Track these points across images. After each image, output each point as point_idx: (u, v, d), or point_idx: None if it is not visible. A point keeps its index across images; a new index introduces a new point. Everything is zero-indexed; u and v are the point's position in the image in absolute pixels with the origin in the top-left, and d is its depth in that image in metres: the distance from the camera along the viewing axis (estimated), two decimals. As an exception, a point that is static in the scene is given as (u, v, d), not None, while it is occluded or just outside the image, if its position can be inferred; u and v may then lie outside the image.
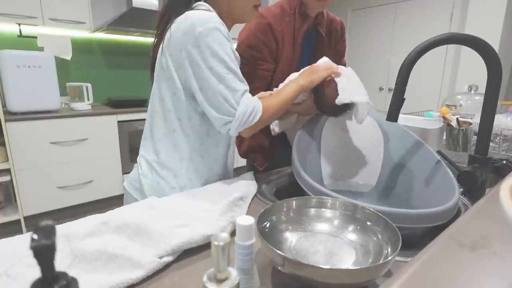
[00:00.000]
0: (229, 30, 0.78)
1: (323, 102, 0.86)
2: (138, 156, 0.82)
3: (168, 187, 0.76)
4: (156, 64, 0.75)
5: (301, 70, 0.85)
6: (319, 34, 1.06)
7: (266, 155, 1.13)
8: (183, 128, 0.75)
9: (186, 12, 0.69)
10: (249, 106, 0.69)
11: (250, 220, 0.37)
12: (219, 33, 0.67)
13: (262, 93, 1.02)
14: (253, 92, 1.01)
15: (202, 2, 0.73)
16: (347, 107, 0.86)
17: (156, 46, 0.77)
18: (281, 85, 0.99)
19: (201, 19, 0.67)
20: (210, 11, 0.72)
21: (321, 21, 1.05)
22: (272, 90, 1.02)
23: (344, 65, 1.05)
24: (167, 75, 0.72)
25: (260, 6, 0.80)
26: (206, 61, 0.67)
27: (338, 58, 1.15)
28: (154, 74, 0.76)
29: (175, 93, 0.73)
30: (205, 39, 0.66)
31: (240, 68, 0.96)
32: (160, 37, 0.76)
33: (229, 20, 0.78)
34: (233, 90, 0.68)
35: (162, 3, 0.77)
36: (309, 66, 0.84)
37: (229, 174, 0.88)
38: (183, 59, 0.68)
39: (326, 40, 1.07)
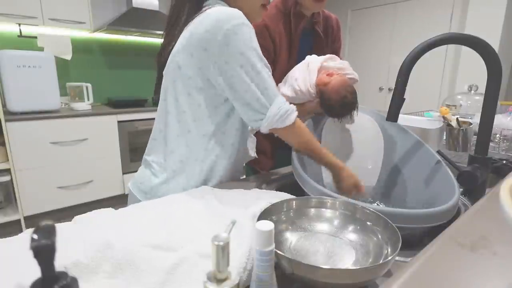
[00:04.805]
0: None
1: (330, 108, 0.87)
2: (145, 157, 0.81)
3: (180, 189, 0.74)
4: (169, 64, 0.73)
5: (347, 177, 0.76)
6: (317, 33, 1.05)
7: (269, 156, 1.12)
8: (199, 129, 0.73)
9: (207, 10, 0.67)
10: (282, 109, 0.69)
11: (270, 225, 0.35)
12: (247, 29, 0.66)
13: None
14: None
15: (217, 0, 0.72)
16: (351, 109, 0.88)
17: (165, 46, 0.75)
18: (280, 85, 1.00)
19: (226, 15, 0.65)
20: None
21: (318, 20, 1.04)
22: None
23: None
24: (184, 75, 0.70)
25: (268, 5, 0.78)
26: (236, 60, 0.65)
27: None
28: (165, 74, 0.74)
29: (190, 93, 0.71)
30: (234, 37, 0.64)
31: None
32: (169, 37, 0.75)
33: None
34: (265, 89, 0.68)
35: (170, 3, 0.76)
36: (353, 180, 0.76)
37: (242, 172, 0.88)
38: (208, 57, 0.66)
39: (323, 38, 1.07)
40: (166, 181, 0.75)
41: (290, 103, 0.97)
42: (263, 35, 0.95)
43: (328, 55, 0.95)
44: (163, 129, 0.76)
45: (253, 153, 0.90)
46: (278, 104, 0.69)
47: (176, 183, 0.75)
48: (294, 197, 0.60)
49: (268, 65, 0.71)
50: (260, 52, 0.69)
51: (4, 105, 2.03)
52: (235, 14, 0.65)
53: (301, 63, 0.96)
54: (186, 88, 0.71)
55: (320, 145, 0.78)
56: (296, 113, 0.71)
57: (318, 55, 0.98)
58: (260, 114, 0.69)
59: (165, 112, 0.75)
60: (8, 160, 1.98)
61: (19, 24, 2.26)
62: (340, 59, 1.15)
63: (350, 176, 0.76)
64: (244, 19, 0.66)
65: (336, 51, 1.14)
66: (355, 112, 0.91)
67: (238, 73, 0.66)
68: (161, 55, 0.77)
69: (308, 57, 0.96)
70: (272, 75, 1.02)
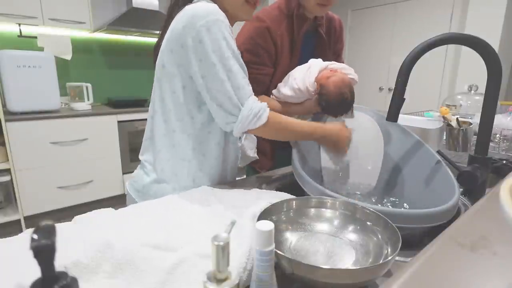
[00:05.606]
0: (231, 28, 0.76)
1: (328, 103, 0.88)
2: (139, 156, 0.82)
3: (170, 188, 0.75)
4: (157, 63, 0.73)
5: (332, 127, 0.83)
6: (319, 35, 1.05)
7: (269, 157, 1.12)
8: (183, 128, 0.73)
9: (186, 6, 0.67)
10: (254, 109, 0.67)
11: (270, 225, 0.35)
12: (222, 25, 0.65)
13: (264, 97, 1.02)
14: None
15: None
16: (348, 107, 0.89)
17: (158, 45, 0.76)
18: (280, 85, 1.00)
19: (202, 11, 0.64)
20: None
21: (321, 22, 1.04)
22: (271, 93, 1.02)
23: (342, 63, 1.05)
24: (167, 73, 0.70)
25: (256, 4, 0.75)
26: (209, 57, 0.64)
27: (336, 57, 1.14)
28: (155, 73, 0.75)
29: (175, 91, 0.71)
30: (207, 33, 0.63)
31: None
32: (162, 36, 0.75)
33: (227, 16, 0.73)
34: (237, 88, 0.66)
35: (168, 3, 0.76)
36: (339, 134, 0.83)
37: (234, 173, 0.87)
38: (185, 54, 0.66)
39: (326, 40, 1.07)
40: (156, 180, 0.76)
41: (291, 103, 0.98)
42: (265, 37, 0.94)
43: (331, 61, 0.96)
44: (152, 128, 0.77)
45: (252, 153, 0.90)
46: (250, 105, 0.67)
47: (165, 183, 0.75)
48: (294, 197, 0.60)
49: (244, 65, 0.70)
50: (236, 50, 0.68)
51: (4, 105, 2.03)
52: (211, 10, 0.64)
53: (303, 65, 0.96)
54: (171, 87, 0.71)
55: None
56: (268, 111, 0.69)
57: (320, 57, 0.99)
58: (232, 116, 0.68)
59: (153, 111, 0.76)
60: (8, 160, 1.98)
61: (19, 24, 2.26)
62: (342, 60, 1.15)
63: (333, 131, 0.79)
64: (219, 15, 0.65)
65: (338, 52, 1.14)
66: (352, 109, 0.91)
67: (211, 71, 0.65)
68: (155, 54, 0.77)
69: (311, 60, 0.96)
70: (273, 76, 1.03)
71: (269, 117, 0.69)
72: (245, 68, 0.70)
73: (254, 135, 0.97)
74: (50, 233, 0.22)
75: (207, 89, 0.67)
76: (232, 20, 0.76)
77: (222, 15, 0.66)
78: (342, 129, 0.84)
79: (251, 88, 0.70)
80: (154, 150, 0.77)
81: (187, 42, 0.65)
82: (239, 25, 1.03)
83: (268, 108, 0.70)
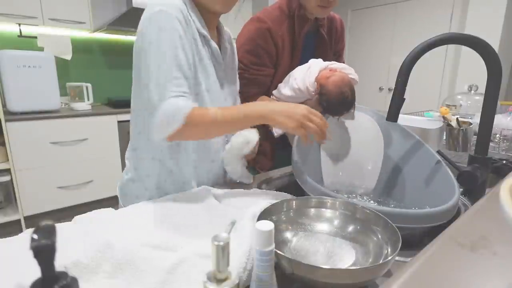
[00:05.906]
0: (211, 22, 0.73)
1: (328, 102, 0.88)
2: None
3: (143, 188, 0.75)
4: None
5: (279, 103, 0.68)
6: (321, 35, 1.04)
7: (269, 157, 1.12)
8: (147, 127, 0.71)
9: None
10: (167, 111, 0.58)
11: (270, 225, 0.35)
12: (162, 16, 0.60)
13: (264, 97, 1.02)
14: (252, 97, 1.00)
15: None
16: (349, 106, 0.89)
17: None
18: (280, 85, 1.00)
19: (152, 3, 0.62)
20: None
21: (322, 23, 1.04)
22: (272, 93, 1.02)
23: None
24: (135, 71, 0.69)
25: None
26: (146, 49, 0.61)
27: (337, 57, 1.14)
28: None
29: (143, 91, 0.68)
30: (148, 24, 0.61)
31: (239, 74, 0.96)
32: None
33: (203, 9, 0.70)
34: (157, 85, 0.60)
35: None
36: (290, 108, 0.63)
37: (214, 179, 0.81)
38: (138, 50, 0.65)
39: (327, 41, 1.06)
40: (131, 179, 0.76)
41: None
42: (265, 38, 0.94)
43: (331, 61, 0.96)
44: (130, 128, 0.77)
45: (236, 178, 0.83)
46: (163, 107, 0.59)
47: (138, 182, 0.75)
48: (294, 197, 0.60)
49: (188, 63, 0.63)
50: (179, 43, 0.62)
51: (4, 105, 2.03)
52: (160, 1, 0.62)
53: (303, 65, 0.96)
54: (136, 86, 0.70)
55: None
56: (185, 111, 0.59)
57: (321, 57, 0.98)
58: (151, 117, 0.60)
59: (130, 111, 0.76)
60: (8, 160, 1.98)
61: (19, 24, 2.26)
62: (343, 60, 1.15)
63: (287, 111, 0.60)
64: (166, 6, 0.61)
65: (339, 53, 1.14)
66: (353, 110, 0.91)
67: (146, 65, 0.61)
68: None
69: (311, 60, 0.96)
70: (274, 77, 1.02)
71: (188, 117, 0.59)
72: (180, 69, 0.62)
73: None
74: (50, 233, 0.22)
75: (143, 86, 0.63)
76: (212, 15, 0.72)
77: (170, 6, 0.61)
78: (296, 107, 0.63)
79: (179, 89, 0.61)
80: (131, 149, 0.77)
81: (139, 37, 0.64)
82: (239, 25, 1.03)
83: (189, 108, 0.60)
